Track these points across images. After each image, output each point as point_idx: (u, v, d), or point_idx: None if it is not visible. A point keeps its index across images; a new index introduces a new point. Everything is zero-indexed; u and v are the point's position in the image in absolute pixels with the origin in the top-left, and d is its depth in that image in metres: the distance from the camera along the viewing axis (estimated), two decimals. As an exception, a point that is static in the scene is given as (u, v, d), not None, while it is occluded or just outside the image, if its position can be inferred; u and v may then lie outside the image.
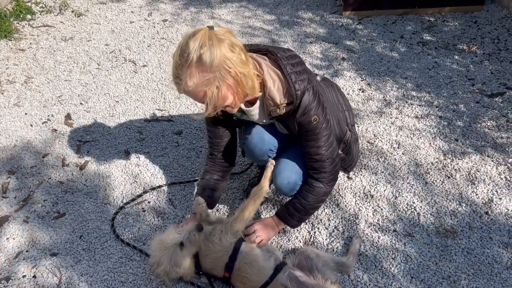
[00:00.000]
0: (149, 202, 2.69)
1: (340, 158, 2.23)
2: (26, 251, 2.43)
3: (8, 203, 2.71)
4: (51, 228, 2.55)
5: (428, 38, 4.05)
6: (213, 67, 1.67)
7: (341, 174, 2.69)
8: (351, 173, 2.72)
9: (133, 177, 2.86)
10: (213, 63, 1.66)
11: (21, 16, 4.64)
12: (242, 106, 1.99)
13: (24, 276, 2.30)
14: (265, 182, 2.17)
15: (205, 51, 1.63)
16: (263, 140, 2.21)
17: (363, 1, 4.39)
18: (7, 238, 2.50)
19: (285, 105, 1.90)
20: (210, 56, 1.64)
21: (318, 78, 2.24)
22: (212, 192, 2.31)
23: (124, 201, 2.70)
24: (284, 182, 2.15)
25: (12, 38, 4.33)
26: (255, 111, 2.03)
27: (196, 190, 2.35)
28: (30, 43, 4.31)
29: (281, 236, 2.41)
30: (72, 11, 4.84)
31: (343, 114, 2.28)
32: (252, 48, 1.96)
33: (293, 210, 2.15)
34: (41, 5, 4.94)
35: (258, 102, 1.98)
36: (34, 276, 2.30)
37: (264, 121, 2.13)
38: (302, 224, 2.39)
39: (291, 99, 1.88)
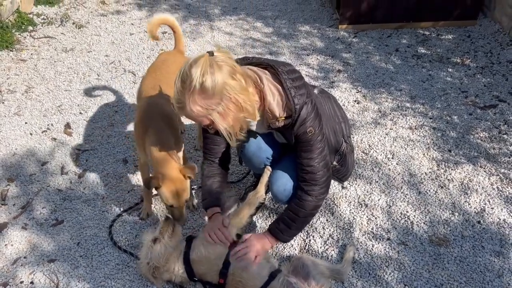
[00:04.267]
0: (146, 210, 2.72)
1: (333, 172, 2.25)
2: (24, 257, 2.45)
3: (7, 210, 2.74)
4: (49, 235, 2.58)
5: (423, 51, 4.12)
6: (215, 94, 1.73)
7: (335, 183, 2.73)
8: (345, 182, 2.76)
9: (131, 185, 2.90)
10: (215, 90, 1.72)
11: (23, 27, 4.72)
12: None
13: (21, 282, 2.32)
14: (261, 187, 2.20)
15: (207, 78, 1.70)
16: (260, 148, 2.25)
17: (359, 15, 4.48)
18: (6, 245, 2.53)
19: (283, 118, 1.94)
20: (212, 83, 1.70)
21: (316, 91, 2.27)
22: (218, 194, 2.30)
23: (122, 209, 2.73)
24: (280, 189, 2.18)
25: (14, 49, 4.39)
26: (253, 123, 2.08)
27: (202, 197, 2.34)
28: (31, 54, 4.37)
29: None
30: (73, 23, 4.92)
31: (339, 125, 2.30)
32: (253, 62, 2.01)
33: (284, 225, 2.13)
34: (42, 16, 5.02)
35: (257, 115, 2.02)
36: (32, 282, 2.32)
37: (263, 130, 2.16)
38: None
39: (290, 112, 1.92)
